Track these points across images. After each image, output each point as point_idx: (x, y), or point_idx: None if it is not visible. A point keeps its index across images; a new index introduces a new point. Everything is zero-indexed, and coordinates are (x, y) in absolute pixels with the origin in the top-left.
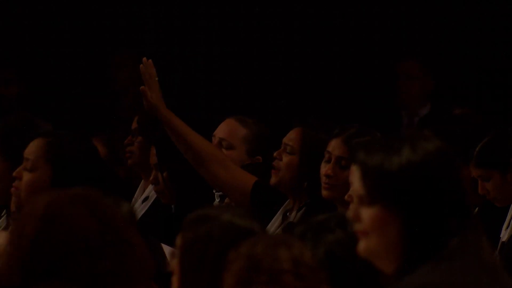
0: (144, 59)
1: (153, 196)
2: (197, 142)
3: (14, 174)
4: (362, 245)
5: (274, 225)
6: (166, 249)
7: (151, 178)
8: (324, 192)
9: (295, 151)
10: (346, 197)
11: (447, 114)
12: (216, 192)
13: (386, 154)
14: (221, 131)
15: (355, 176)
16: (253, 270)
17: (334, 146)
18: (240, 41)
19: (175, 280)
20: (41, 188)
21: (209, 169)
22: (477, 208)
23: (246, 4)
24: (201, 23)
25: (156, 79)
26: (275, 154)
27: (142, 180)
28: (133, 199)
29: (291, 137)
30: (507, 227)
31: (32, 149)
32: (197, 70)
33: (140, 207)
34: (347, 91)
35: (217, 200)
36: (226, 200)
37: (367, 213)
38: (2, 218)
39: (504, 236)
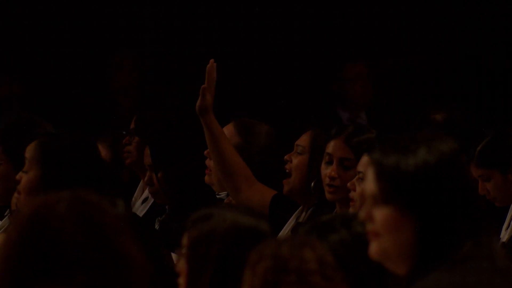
0: (212, 60)
1: None
2: (230, 154)
3: (16, 177)
4: (374, 247)
5: (286, 230)
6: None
7: (145, 179)
8: (329, 196)
9: (305, 151)
10: (350, 195)
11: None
12: (218, 195)
13: (402, 154)
14: None
15: (369, 176)
16: (280, 271)
17: (335, 148)
18: (240, 41)
19: (181, 281)
20: (33, 189)
21: (234, 183)
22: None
23: (246, 4)
24: (201, 23)
25: (215, 83)
26: (286, 157)
27: (141, 181)
28: (133, 200)
29: (302, 139)
30: (507, 228)
31: (28, 149)
32: (197, 70)
33: (140, 208)
34: (291, 92)
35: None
36: (226, 200)
37: (380, 213)
38: (5, 219)
39: (504, 236)
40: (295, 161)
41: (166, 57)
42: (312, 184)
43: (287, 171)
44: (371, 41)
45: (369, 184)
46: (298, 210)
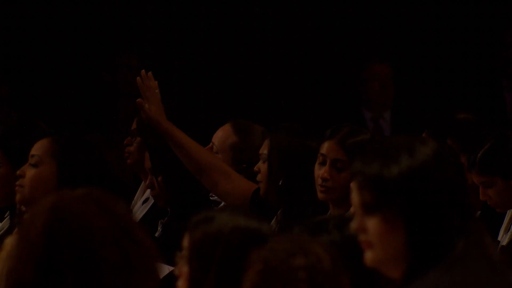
0: (143, 71)
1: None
2: (198, 152)
3: (18, 172)
4: (368, 256)
5: None
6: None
7: (147, 182)
8: (320, 195)
9: (267, 158)
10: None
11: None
12: (211, 197)
13: (384, 162)
14: (215, 135)
15: (353, 187)
16: (267, 276)
17: (329, 149)
18: (240, 41)
19: (181, 284)
20: (45, 183)
21: (210, 178)
22: (479, 212)
23: (246, 4)
24: (201, 23)
25: (157, 91)
26: (255, 168)
27: (142, 182)
28: (134, 201)
29: (263, 147)
30: (506, 231)
31: (38, 146)
32: (197, 70)
33: (140, 209)
34: (312, 94)
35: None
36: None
37: (371, 223)
38: (5, 220)
39: (503, 240)
40: (262, 169)
41: (166, 57)
42: (280, 182)
43: (259, 182)
44: (392, 41)
45: (354, 195)
46: (278, 213)
